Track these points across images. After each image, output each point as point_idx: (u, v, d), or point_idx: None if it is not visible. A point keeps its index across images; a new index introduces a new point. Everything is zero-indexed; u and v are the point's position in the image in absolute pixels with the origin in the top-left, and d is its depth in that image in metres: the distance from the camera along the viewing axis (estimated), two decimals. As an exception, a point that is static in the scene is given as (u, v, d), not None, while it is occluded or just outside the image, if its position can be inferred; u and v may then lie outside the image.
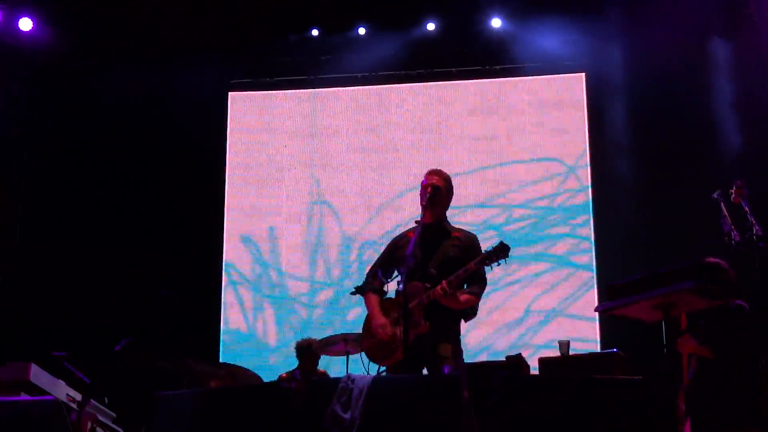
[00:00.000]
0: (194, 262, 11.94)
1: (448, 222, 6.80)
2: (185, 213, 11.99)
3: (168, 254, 11.75)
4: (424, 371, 6.47)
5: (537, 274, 11.53)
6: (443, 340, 6.43)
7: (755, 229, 6.45)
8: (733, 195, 6.72)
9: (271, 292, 12.08)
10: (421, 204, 6.66)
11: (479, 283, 6.55)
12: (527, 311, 11.44)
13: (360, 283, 7.01)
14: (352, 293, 7.84)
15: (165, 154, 12.13)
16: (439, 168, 6.90)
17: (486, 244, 6.47)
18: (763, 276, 6.53)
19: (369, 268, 6.98)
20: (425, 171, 6.78)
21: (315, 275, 12.03)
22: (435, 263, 6.50)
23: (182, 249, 11.86)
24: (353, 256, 11.98)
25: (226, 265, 12.19)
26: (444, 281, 6.30)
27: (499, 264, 6.33)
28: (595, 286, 11.29)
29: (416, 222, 6.64)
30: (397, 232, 7.07)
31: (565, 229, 11.62)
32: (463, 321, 6.63)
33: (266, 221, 12.25)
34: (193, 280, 11.68)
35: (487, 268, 6.41)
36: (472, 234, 6.79)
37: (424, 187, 6.71)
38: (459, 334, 6.63)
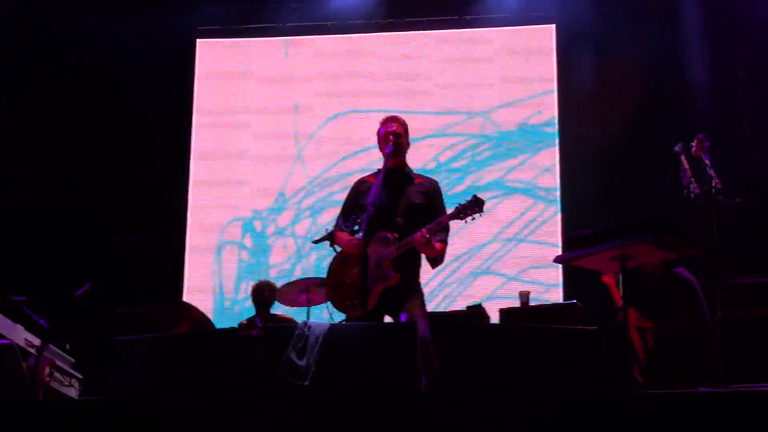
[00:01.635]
0: (160, 207, 11.87)
1: (409, 168, 6.84)
2: (152, 159, 11.87)
3: (133, 199, 11.69)
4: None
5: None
6: (412, 294, 6.52)
7: (714, 182, 6.47)
8: (694, 148, 6.74)
9: (234, 238, 12.04)
10: (383, 152, 6.70)
11: (445, 230, 6.59)
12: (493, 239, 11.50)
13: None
14: (315, 242, 7.87)
15: (132, 102, 11.97)
16: (394, 115, 6.94)
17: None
18: (720, 228, 6.56)
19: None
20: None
21: (279, 222, 12.01)
22: (401, 211, 6.55)
23: (148, 194, 11.77)
24: (318, 201, 11.95)
25: (192, 209, 12.12)
26: (424, 229, 6.31)
27: (474, 219, 6.37)
28: (559, 234, 11.32)
29: (378, 170, 6.69)
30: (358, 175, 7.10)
31: (530, 179, 11.63)
32: (431, 268, 6.73)
33: (233, 167, 12.18)
34: (159, 225, 11.63)
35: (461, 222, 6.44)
36: (434, 180, 6.86)
37: (384, 135, 6.74)
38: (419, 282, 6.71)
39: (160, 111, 12.03)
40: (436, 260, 6.66)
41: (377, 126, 6.89)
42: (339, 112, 12.11)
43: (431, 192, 6.71)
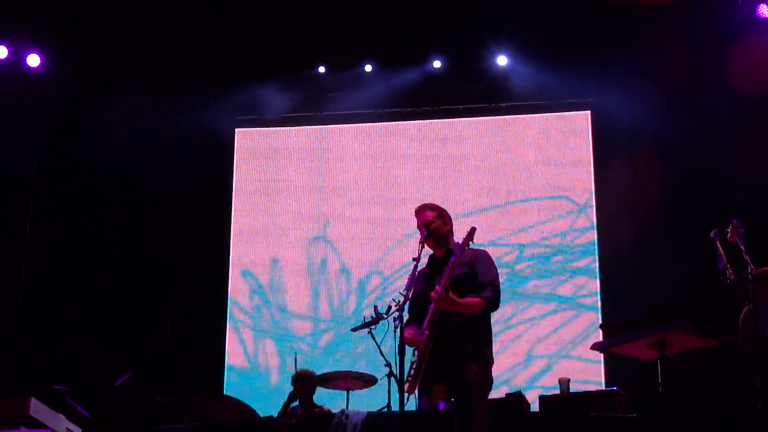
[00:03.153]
0: (198, 297, 11.95)
1: (457, 247, 6.66)
2: (189, 250, 12.04)
3: (172, 290, 11.78)
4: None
5: (543, 315, 11.54)
6: (456, 354, 6.34)
7: (750, 267, 6.45)
8: (729, 234, 6.73)
9: (273, 328, 12.09)
10: (419, 242, 6.68)
11: (489, 287, 6.46)
12: (530, 355, 11.45)
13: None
14: (353, 330, 7.88)
15: (171, 193, 12.21)
16: (425, 203, 6.95)
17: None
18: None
19: None
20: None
21: (319, 312, 12.05)
22: (437, 282, 6.43)
23: (186, 286, 11.88)
24: (357, 294, 12.00)
25: (230, 300, 12.18)
26: (437, 286, 6.27)
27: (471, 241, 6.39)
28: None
29: (413, 259, 6.64)
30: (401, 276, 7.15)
31: (572, 269, 11.62)
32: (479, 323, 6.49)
33: (270, 256, 12.27)
34: (197, 315, 11.73)
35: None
36: (482, 250, 6.74)
37: (419, 228, 6.75)
38: (482, 346, 6.47)
39: (200, 197, 12.24)
40: (474, 320, 6.44)
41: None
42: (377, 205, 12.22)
43: (474, 260, 6.59)
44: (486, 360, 6.46)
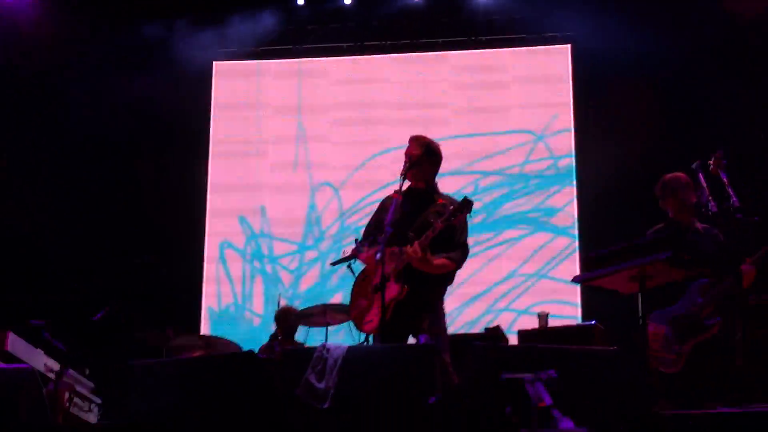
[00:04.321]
0: (179, 234, 11.90)
1: (437, 189, 6.75)
2: (170, 185, 11.97)
3: (151, 226, 11.71)
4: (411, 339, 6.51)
5: (518, 238, 11.57)
6: (422, 308, 6.44)
7: (732, 200, 6.44)
8: (712, 165, 6.72)
9: (259, 264, 12.06)
10: (401, 173, 6.61)
11: (459, 249, 6.51)
12: (511, 274, 11.48)
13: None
14: (332, 264, 7.85)
15: (149, 125, 12.10)
16: (419, 135, 6.86)
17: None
18: (739, 246, 6.53)
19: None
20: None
21: (305, 245, 12.02)
22: (415, 228, 6.43)
23: (166, 221, 11.80)
24: (336, 226, 11.97)
25: (209, 237, 12.12)
26: (416, 242, 6.25)
27: (463, 217, 6.35)
28: (577, 253, 11.30)
29: (395, 192, 6.61)
30: (379, 200, 7.04)
31: (550, 199, 11.61)
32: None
33: (253, 195, 12.21)
34: (177, 251, 11.69)
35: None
36: (455, 199, 6.66)
37: (405, 156, 6.69)
38: (440, 299, 6.63)
39: (177, 140, 12.13)
40: (443, 277, 6.56)
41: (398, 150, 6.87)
42: (355, 137, 12.16)
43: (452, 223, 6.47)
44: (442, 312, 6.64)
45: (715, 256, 6.75)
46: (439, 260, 6.38)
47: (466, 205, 6.27)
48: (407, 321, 6.41)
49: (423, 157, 6.67)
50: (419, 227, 6.40)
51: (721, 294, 6.57)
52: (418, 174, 6.66)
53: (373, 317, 6.35)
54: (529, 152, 11.78)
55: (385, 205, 6.77)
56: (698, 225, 7.01)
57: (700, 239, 6.90)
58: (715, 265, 6.54)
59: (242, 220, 12.12)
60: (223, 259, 12.06)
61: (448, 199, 6.67)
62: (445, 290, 6.69)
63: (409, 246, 6.26)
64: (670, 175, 7.16)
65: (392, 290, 6.28)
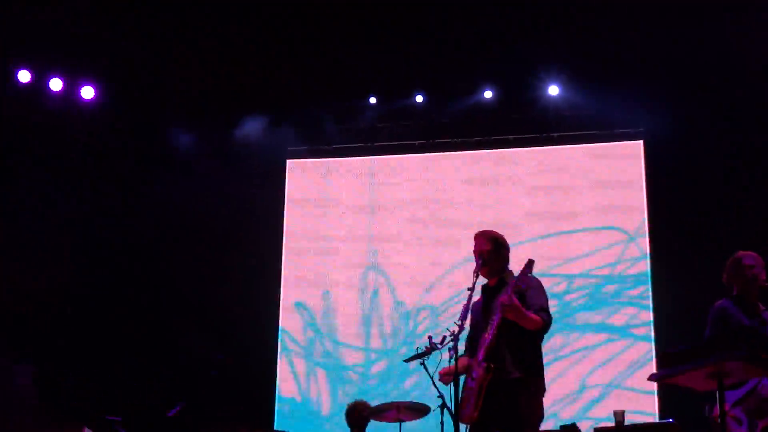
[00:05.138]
0: (251, 330, 11.98)
1: (512, 276, 6.63)
2: (242, 281, 12.07)
3: (225, 320, 11.80)
4: None
5: (595, 346, 11.43)
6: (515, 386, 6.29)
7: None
8: (771, 279, 6.65)
9: (325, 360, 12.08)
10: (474, 271, 6.57)
11: (542, 312, 6.37)
12: (583, 386, 11.36)
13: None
14: (406, 360, 7.80)
15: (223, 221, 12.25)
16: (484, 230, 6.84)
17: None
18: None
19: None
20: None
21: (370, 345, 12.01)
22: (493, 312, 6.40)
23: (239, 316, 11.89)
24: (409, 327, 11.95)
25: (281, 332, 12.21)
26: (504, 294, 6.23)
27: (528, 277, 6.32)
28: (654, 357, 11.13)
29: (468, 289, 6.48)
30: (453, 304, 7.08)
31: (624, 299, 11.49)
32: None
33: (322, 290, 12.28)
34: (250, 348, 11.75)
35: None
36: (533, 277, 6.56)
37: (474, 254, 6.68)
38: (534, 375, 6.42)
39: (252, 234, 12.30)
40: (524, 345, 6.39)
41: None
42: (427, 235, 12.21)
43: (524, 288, 6.42)
44: (537, 389, 6.40)
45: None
46: (529, 312, 6.27)
47: (528, 264, 6.31)
48: (502, 401, 6.25)
49: (493, 252, 6.66)
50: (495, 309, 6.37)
51: None
52: (492, 270, 6.64)
53: (467, 407, 6.27)
54: (621, 253, 11.69)
55: (473, 308, 6.68)
56: (761, 307, 6.86)
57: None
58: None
59: (312, 316, 12.18)
60: (288, 356, 12.09)
61: (524, 279, 6.49)
62: (539, 364, 6.49)
63: (504, 297, 6.22)
64: (743, 252, 7.08)
65: (478, 372, 6.22)
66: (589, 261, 11.71)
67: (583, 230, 11.77)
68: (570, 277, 11.68)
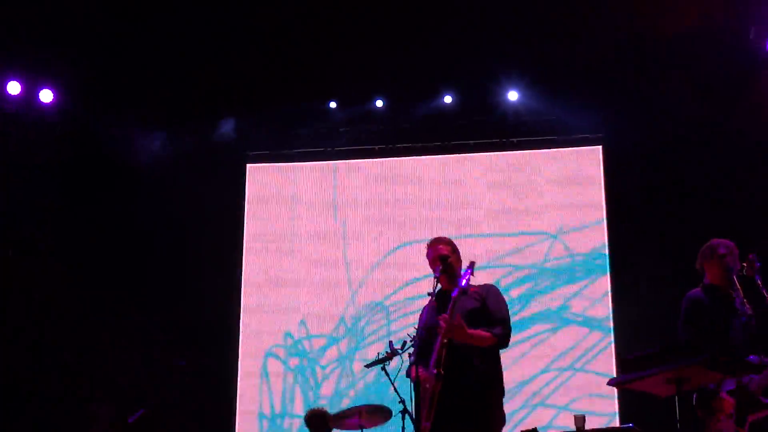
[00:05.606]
0: (211, 332, 11.94)
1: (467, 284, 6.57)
2: (203, 285, 12.01)
3: (184, 325, 11.77)
4: None
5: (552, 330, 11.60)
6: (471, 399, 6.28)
7: (766, 303, 6.41)
8: (745, 268, 6.70)
9: (289, 361, 12.07)
10: (435, 275, 6.55)
11: (500, 324, 6.40)
12: (546, 369, 11.47)
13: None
14: (367, 366, 7.82)
15: (182, 224, 12.19)
16: (438, 236, 6.90)
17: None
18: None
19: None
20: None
21: (335, 343, 12.02)
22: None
23: (198, 319, 11.85)
24: (371, 326, 11.97)
25: (243, 334, 12.19)
26: (444, 314, 6.18)
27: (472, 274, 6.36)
28: (613, 357, 11.23)
29: (428, 294, 6.50)
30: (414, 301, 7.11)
31: (576, 288, 11.61)
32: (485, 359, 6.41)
33: (285, 292, 12.26)
34: (210, 351, 11.71)
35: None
36: (490, 284, 6.73)
37: (432, 258, 6.69)
38: (492, 389, 6.43)
39: (211, 237, 12.21)
40: (481, 353, 6.36)
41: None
42: (394, 244, 12.23)
43: (484, 294, 6.55)
44: (498, 399, 6.43)
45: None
46: (475, 331, 6.26)
47: (469, 266, 6.37)
48: (450, 406, 6.19)
49: (452, 256, 6.69)
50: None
51: None
52: (452, 275, 6.61)
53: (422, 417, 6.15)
54: (547, 250, 11.82)
55: (422, 315, 6.75)
56: (734, 296, 6.86)
57: (738, 321, 6.75)
58: (756, 368, 6.45)
59: (278, 320, 12.18)
60: (265, 365, 12.12)
61: (480, 286, 6.66)
62: (499, 376, 6.50)
63: (440, 318, 6.18)
64: (718, 240, 7.12)
65: (430, 380, 6.11)
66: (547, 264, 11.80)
67: (540, 233, 11.85)
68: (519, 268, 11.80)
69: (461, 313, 6.27)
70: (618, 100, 11.48)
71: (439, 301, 6.56)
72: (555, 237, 11.78)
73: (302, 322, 12.13)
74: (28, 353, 11.44)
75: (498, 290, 6.65)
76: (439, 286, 6.59)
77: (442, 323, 6.15)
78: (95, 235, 12.11)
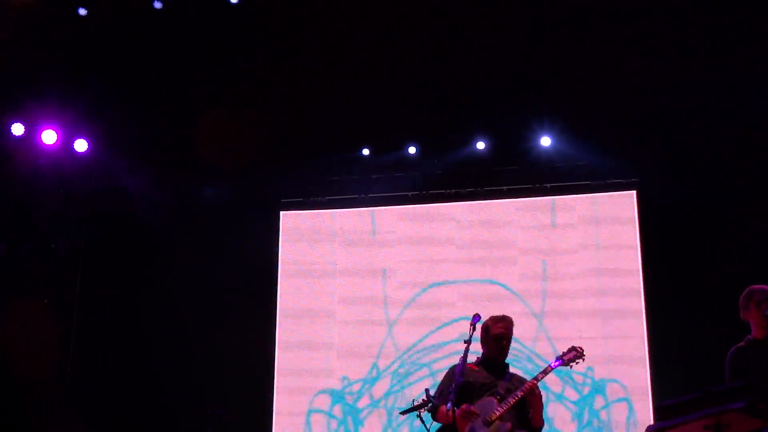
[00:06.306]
0: (246, 375, 11.94)
1: (507, 364, 7.34)
2: (236, 337, 12.04)
3: (219, 372, 11.76)
4: None
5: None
6: None
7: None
8: (773, 309, 6.62)
9: (322, 406, 12.02)
10: (492, 349, 7.27)
11: (536, 420, 6.99)
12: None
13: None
14: (402, 413, 7.80)
15: (217, 273, 12.23)
16: (504, 314, 7.37)
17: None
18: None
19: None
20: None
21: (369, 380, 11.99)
22: (501, 392, 6.93)
23: (234, 367, 11.84)
24: (406, 367, 11.91)
25: (279, 373, 12.19)
26: (532, 380, 6.88)
27: (577, 362, 7.08)
28: (650, 405, 11.08)
29: (465, 341, 6.93)
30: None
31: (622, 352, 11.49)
32: None
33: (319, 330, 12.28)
34: (246, 393, 11.70)
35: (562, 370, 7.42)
36: (534, 382, 7.05)
37: (498, 336, 7.22)
38: None
39: (247, 274, 12.25)
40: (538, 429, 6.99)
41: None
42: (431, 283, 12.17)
43: (530, 395, 6.96)
44: None
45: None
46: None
47: (578, 352, 7.10)
48: None
49: (510, 339, 7.31)
50: (504, 392, 6.91)
51: None
52: (506, 353, 7.28)
53: None
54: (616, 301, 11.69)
55: (461, 370, 6.99)
56: None
57: None
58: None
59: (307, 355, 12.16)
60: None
61: (521, 379, 7.21)
62: None
63: (529, 383, 6.88)
64: (757, 286, 7.02)
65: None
66: (583, 307, 11.71)
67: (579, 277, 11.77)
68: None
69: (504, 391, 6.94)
70: (652, 145, 11.43)
71: (486, 366, 7.23)
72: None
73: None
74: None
75: (540, 392, 7.04)
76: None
77: (534, 382, 6.92)
78: (131, 295, 12.19)
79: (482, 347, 7.34)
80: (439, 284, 12.11)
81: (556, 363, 7.06)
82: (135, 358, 11.89)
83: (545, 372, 6.98)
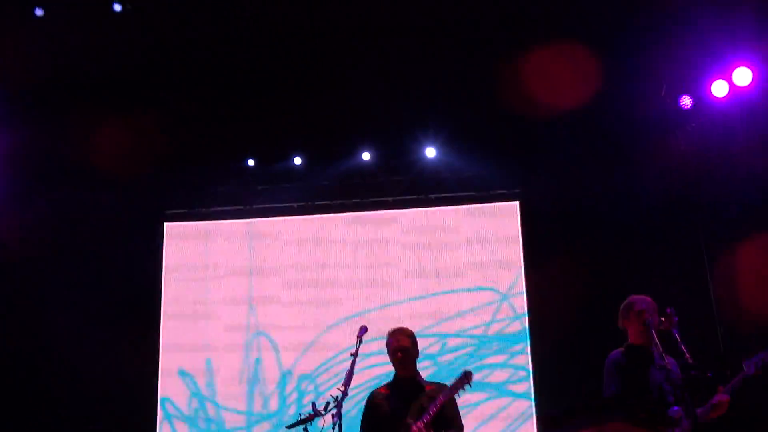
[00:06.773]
0: (130, 398, 11.72)
1: (420, 376, 7.16)
2: (119, 348, 11.77)
3: (103, 390, 11.53)
4: None
5: (475, 404, 11.39)
6: None
7: (686, 356, 6.47)
8: (664, 323, 6.76)
9: (207, 426, 11.86)
10: (394, 364, 7.11)
11: (455, 427, 6.88)
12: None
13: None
14: (288, 427, 7.73)
15: (98, 284, 11.97)
16: (401, 326, 7.28)
17: (425, 373, 6.65)
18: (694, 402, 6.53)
19: None
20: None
21: (252, 408, 11.84)
22: (411, 414, 6.78)
23: (117, 384, 11.62)
24: (290, 389, 11.82)
25: (162, 399, 11.97)
26: (419, 422, 6.62)
27: (465, 391, 6.80)
28: (534, 415, 11.20)
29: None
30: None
31: (502, 358, 11.57)
32: None
33: (203, 355, 12.10)
34: (129, 417, 11.48)
35: (457, 398, 6.85)
36: (442, 383, 7.07)
37: (393, 349, 7.08)
38: None
39: (129, 302, 12.03)
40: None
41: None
42: (307, 298, 12.13)
43: (440, 395, 6.86)
44: None
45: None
46: None
47: (467, 376, 6.79)
48: None
49: (412, 349, 7.11)
50: (416, 413, 6.77)
51: None
52: (409, 366, 7.08)
53: None
54: (495, 312, 11.77)
55: (374, 400, 7.11)
56: (653, 350, 6.89)
57: (659, 375, 6.79)
58: (675, 422, 6.48)
59: (191, 381, 11.97)
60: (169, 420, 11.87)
61: (436, 384, 7.09)
62: None
63: (414, 426, 6.63)
64: (636, 296, 7.21)
65: None
66: (465, 321, 11.76)
67: (461, 290, 11.84)
68: (445, 336, 11.71)
69: (418, 410, 6.80)
70: (534, 156, 11.58)
71: (396, 389, 7.07)
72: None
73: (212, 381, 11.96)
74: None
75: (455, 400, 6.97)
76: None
77: (414, 429, 6.64)
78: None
79: None
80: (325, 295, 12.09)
81: (445, 396, 6.82)
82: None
83: (436, 405, 6.74)
